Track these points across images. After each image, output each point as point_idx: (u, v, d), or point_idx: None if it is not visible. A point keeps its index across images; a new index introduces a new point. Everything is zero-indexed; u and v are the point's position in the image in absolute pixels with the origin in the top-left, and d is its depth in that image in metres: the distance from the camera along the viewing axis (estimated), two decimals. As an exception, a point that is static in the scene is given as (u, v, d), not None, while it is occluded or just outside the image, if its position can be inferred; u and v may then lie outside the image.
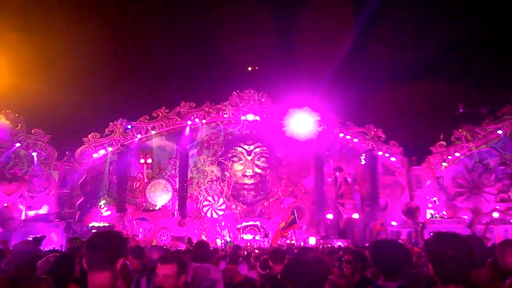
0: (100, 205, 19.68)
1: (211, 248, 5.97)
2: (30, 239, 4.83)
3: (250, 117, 19.94)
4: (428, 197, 20.14)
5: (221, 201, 20.82)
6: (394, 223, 19.81)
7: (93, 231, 18.34)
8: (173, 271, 3.21)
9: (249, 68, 19.81)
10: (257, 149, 21.06)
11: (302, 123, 19.11)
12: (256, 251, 12.11)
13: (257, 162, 21.12)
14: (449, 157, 20.13)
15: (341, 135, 20.32)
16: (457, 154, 19.95)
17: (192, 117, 19.97)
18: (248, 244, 17.28)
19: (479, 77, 18.51)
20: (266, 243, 18.43)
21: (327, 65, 17.47)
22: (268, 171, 21.18)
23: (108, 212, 19.68)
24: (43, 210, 18.63)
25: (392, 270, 3.02)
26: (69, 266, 4.49)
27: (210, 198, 20.84)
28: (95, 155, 19.53)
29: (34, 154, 18.62)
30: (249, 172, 21.00)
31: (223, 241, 18.93)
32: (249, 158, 21.01)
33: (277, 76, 18.29)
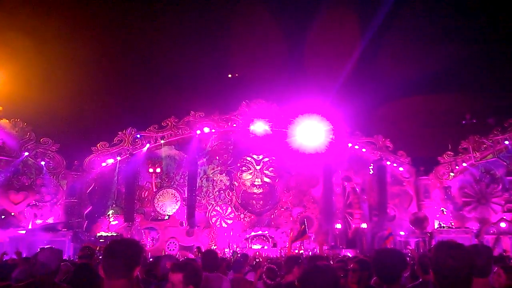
0: (108, 215, 19.57)
1: (219, 257, 5.99)
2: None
3: (259, 126, 19.97)
4: (435, 207, 20.25)
5: (229, 210, 20.79)
6: (402, 233, 19.85)
7: (101, 240, 18.25)
8: (179, 279, 3.25)
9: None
10: (266, 159, 21.11)
11: (311, 134, 19.15)
12: (258, 259, 12.09)
13: (266, 172, 21.15)
14: (457, 167, 20.31)
15: (350, 145, 20.40)
16: (464, 165, 20.12)
17: (201, 127, 19.99)
18: (257, 253, 17.24)
19: (486, 88, 18.71)
20: (275, 253, 18.40)
21: (336, 75, 17.61)
22: (277, 180, 21.21)
23: (116, 222, 19.58)
24: (51, 220, 18.52)
25: (392, 277, 3.14)
26: (88, 274, 4.49)
27: (218, 208, 20.82)
28: (103, 164, 19.46)
29: (43, 163, 18.56)
30: (257, 181, 21.00)
31: (231, 251, 18.87)
32: (257, 167, 21.04)
33: (286, 86, 18.37)
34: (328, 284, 2.62)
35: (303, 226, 17.34)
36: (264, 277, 5.90)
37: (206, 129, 19.84)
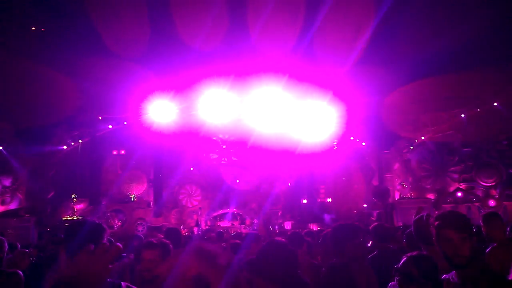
0: (73, 198, 19.27)
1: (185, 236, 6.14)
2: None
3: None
4: (396, 180, 21.05)
5: (197, 190, 20.88)
6: (365, 205, 20.62)
7: (65, 224, 18.02)
8: (157, 255, 3.35)
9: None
10: (232, 138, 21.20)
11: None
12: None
13: (232, 151, 21.27)
14: (416, 141, 21.09)
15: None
16: (422, 138, 20.92)
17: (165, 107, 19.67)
18: (225, 231, 17.51)
19: (444, 59, 19.17)
20: (243, 229, 18.77)
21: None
22: (244, 159, 21.39)
23: (81, 205, 19.33)
24: (13, 206, 18.08)
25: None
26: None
27: (186, 187, 20.85)
28: (65, 147, 19.04)
29: (0, 147, 17.96)
30: (224, 161, 21.12)
31: (200, 229, 19.09)
32: (223, 147, 21.13)
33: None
34: (284, 259, 2.72)
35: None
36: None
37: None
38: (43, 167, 18.83)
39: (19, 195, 18.39)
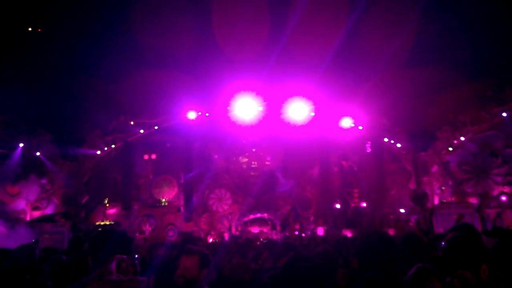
0: (105, 203, 19.56)
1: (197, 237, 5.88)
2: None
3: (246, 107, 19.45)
4: (435, 183, 20.05)
5: (227, 194, 20.69)
6: (402, 210, 19.70)
7: (99, 229, 18.25)
8: (195, 263, 3.20)
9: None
10: (262, 141, 20.94)
11: (298, 110, 18.99)
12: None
13: (262, 154, 21.00)
14: (455, 141, 20.04)
15: (346, 122, 20.09)
16: (462, 139, 19.85)
17: (195, 111, 19.77)
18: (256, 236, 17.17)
19: (482, 60, 18.35)
20: (274, 235, 18.35)
21: (322, 54, 17.26)
22: (274, 162, 21.04)
23: (114, 210, 19.57)
24: (49, 211, 18.52)
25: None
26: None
27: (216, 192, 20.71)
28: (98, 153, 19.41)
29: (38, 154, 18.52)
30: (254, 164, 20.89)
31: (231, 235, 18.83)
32: (253, 150, 20.91)
33: (273, 67, 18.06)
34: (310, 275, 2.50)
35: (293, 212, 17.35)
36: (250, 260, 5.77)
37: (192, 115, 19.54)
38: (77, 173, 19.26)
39: (55, 200, 18.84)
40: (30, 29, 17.40)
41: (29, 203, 18.35)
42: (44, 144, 18.83)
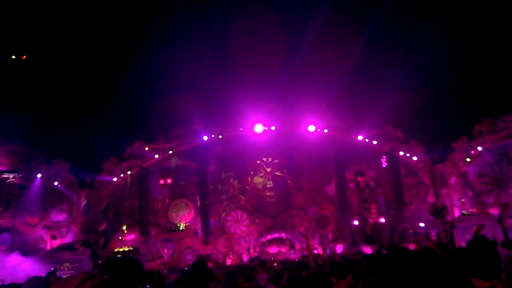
0: (123, 229, 19.62)
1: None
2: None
3: (259, 128, 19.60)
4: (454, 195, 19.69)
5: (243, 215, 20.62)
6: (422, 224, 19.35)
7: (118, 256, 18.28)
8: None
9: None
10: (276, 161, 20.92)
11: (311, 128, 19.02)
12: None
13: (277, 174, 20.96)
14: (472, 152, 19.70)
15: (360, 138, 19.94)
16: (479, 149, 19.51)
17: (208, 133, 19.88)
18: (272, 258, 16.95)
19: (496, 69, 18.16)
20: (292, 255, 18.17)
21: (340, 68, 17.32)
22: (289, 181, 20.97)
23: (132, 236, 19.62)
24: (68, 239, 18.65)
25: None
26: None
27: (232, 214, 20.67)
28: (115, 179, 19.59)
29: (56, 183, 18.74)
30: (269, 184, 20.83)
31: (249, 256, 18.72)
32: (268, 170, 20.87)
33: (289, 84, 18.15)
34: None
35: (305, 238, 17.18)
36: (269, 282, 5.71)
37: (205, 138, 19.72)
38: (95, 200, 19.41)
39: (74, 228, 18.97)
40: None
41: (48, 232, 18.48)
42: (62, 173, 19.07)
